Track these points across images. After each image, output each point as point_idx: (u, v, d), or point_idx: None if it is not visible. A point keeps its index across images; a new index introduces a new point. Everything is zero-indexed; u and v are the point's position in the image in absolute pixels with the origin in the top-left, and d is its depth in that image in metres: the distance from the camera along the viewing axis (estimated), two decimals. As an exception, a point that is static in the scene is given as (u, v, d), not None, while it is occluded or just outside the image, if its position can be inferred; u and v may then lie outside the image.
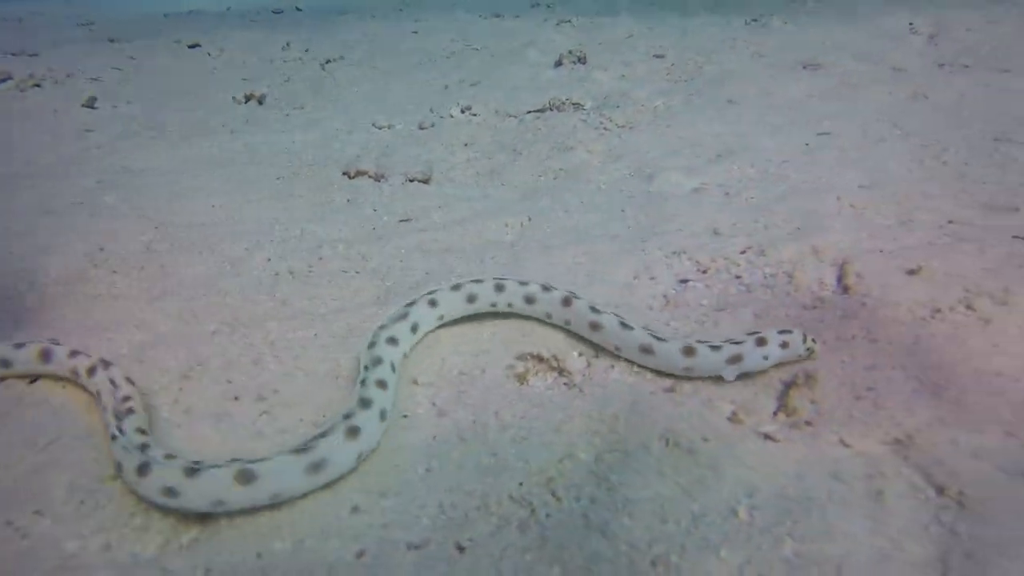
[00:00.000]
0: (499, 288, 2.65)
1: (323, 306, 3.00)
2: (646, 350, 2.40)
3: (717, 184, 4.22)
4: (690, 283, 3.08)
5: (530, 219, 3.82)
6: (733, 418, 2.29)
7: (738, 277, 3.11)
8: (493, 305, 2.68)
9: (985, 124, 5.17)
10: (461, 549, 1.80)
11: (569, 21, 11.12)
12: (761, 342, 2.39)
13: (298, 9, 14.18)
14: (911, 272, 3.07)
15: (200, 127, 5.65)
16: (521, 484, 2.01)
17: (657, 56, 8.12)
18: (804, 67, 7.20)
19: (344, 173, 4.53)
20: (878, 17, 10.36)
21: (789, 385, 2.40)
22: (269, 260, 3.32)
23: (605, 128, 5.25)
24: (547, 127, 5.38)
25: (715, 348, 2.36)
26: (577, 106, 5.83)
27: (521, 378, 2.53)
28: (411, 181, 4.38)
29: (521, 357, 2.59)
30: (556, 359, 2.57)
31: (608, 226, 3.69)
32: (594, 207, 3.97)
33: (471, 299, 2.64)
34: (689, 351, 2.35)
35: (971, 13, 10.42)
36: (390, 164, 4.56)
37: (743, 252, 3.34)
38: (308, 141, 5.19)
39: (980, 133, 5.01)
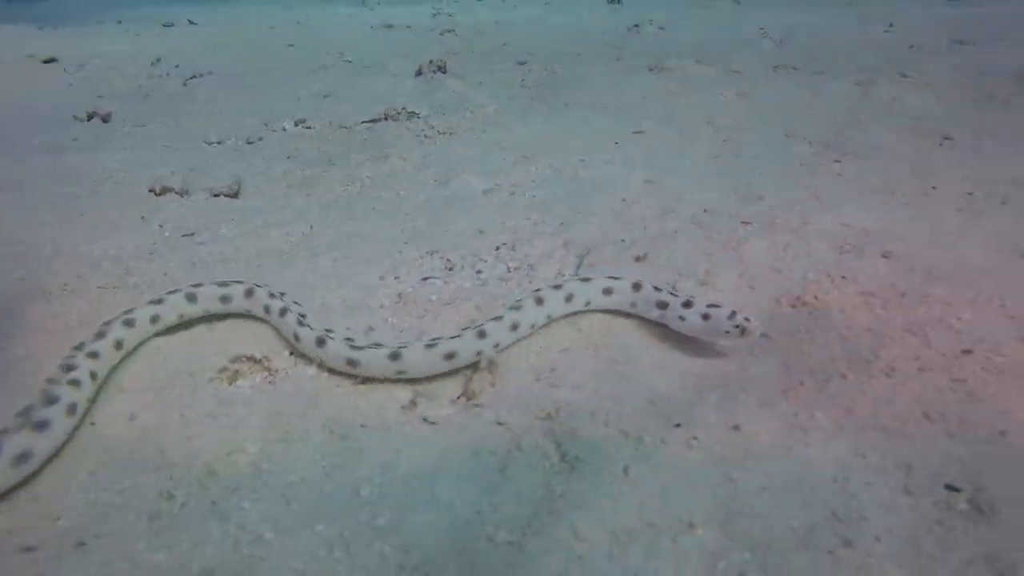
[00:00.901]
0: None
1: (63, 324, 3.05)
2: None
3: (510, 185, 4.44)
4: (430, 280, 3.26)
5: (312, 228, 3.95)
6: (408, 406, 2.45)
7: (479, 272, 3.31)
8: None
9: (784, 122, 5.57)
10: (82, 544, 1.91)
11: (453, 31, 11.37)
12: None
13: (191, 22, 14.02)
14: (638, 259, 3.34)
15: (21, 146, 5.60)
16: (171, 478, 2.13)
17: (520, 63, 8.40)
18: (650, 70, 7.58)
19: (151, 190, 4.57)
20: (739, 24, 10.97)
21: (474, 371, 2.59)
22: (22, 280, 3.36)
23: (426, 136, 5.44)
24: (373, 137, 5.54)
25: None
26: (412, 115, 6.01)
27: (231, 379, 2.65)
28: (216, 196, 4.46)
29: (236, 359, 2.71)
30: (267, 359, 2.70)
31: (384, 231, 3.85)
32: (382, 213, 4.13)
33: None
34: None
35: (819, 19, 11.13)
36: (199, 180, 4.63)
37: (497, 248, 3.55)
38: (128, 159, 5.20)
39: (778, 130, 5.40)
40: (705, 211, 3.88)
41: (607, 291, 2.80)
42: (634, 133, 5.46)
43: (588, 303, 2.82)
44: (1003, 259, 3.11)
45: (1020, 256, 3.17)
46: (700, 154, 4.98)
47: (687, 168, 4.69)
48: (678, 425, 2.27)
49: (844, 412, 2.28)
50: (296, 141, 5.54)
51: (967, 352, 2.50)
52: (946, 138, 4.89)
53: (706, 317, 2.58)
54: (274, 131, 5.79)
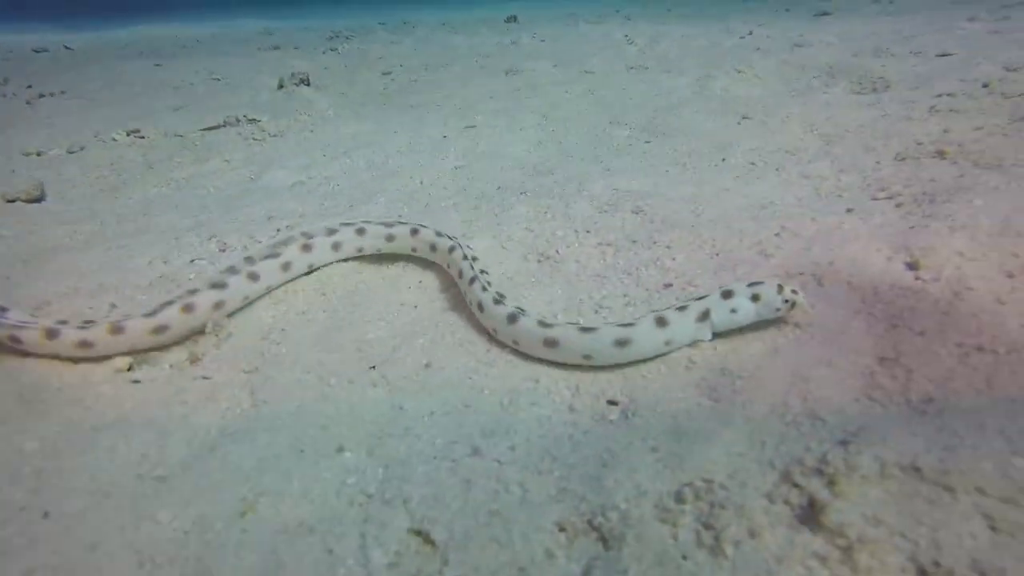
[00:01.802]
0: None
1: None
2: None
3: (321, 177, 4.53)
4: (195, 262, 3.28)
5: (102, 224, 3.92)
6: (122, 369, 2.46)
7: (246, 249, 3.35)
8: None
9: (614, 112, 5.87)
10: None
11: (336, 50, 11.50)
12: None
13: (67, 48, 13.71)
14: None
15: None
16: None
17: (385, 73, 8.57)
18: (506, 73, 7.86)
19: (-56, 198, 4.45)
20: (613, 33, 11.50)
21: (200, 335, 2.62)
22: None
23: (255, 138, 5.49)
24: (205, 143, 5.55)
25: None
26: (253, 121, 6.04)
27: None
28: (11, 201, 4.37)
29: None
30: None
31: (174, 223, 3.86)
32: (180, 208, 4.14)
33: None
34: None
35: (691, 30, 11.78)
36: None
37: (278, 230, 3.60)
38: (-66, 173, 5.05)
39: (605, 118, 5.69)
40: (498, 188, 4.05)
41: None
42: (466, 127, 5.64)
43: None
44: (740, 213, 3.36)
45: (758, 208, 3.43)
46: (522, 142, 5.19)
47: (503, 154, 4.88)
48: (373, 367, 2.35)
49: (537, 345, 2.41)
50: (123, 150, 5.49)
51: (667, 286, 2.69)
52: (744, 117, 5.25)
53: (755, 298, 2.30)
54: (103, 141, 5.72)
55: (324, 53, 11.29)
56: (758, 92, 6.56)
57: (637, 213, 3.36)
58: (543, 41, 11.50)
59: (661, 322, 2.22)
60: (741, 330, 2.35)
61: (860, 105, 5.36)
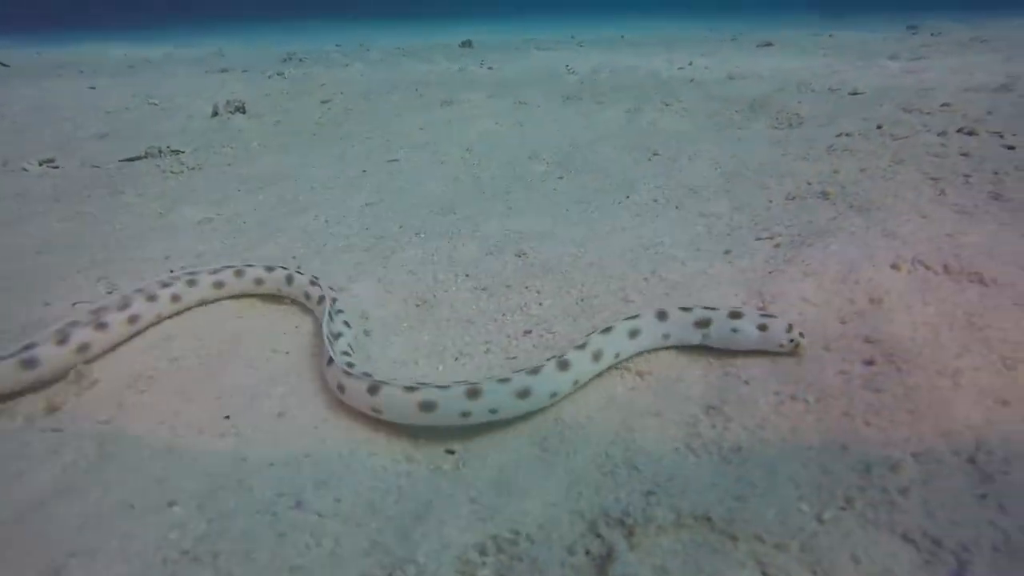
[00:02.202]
0: None
1: None
2: None
3: (230, 214, 4.57)
4: (78, 304, 3.29)
5: (-8, 260, 3.91)
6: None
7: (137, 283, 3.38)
8: None
9: (537, 145, 6.03)
10: None
11: (283, 74, 11.55)
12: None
13: (4, 65, 13.52)
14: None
15: None
16: None
17: (324, 102, 8.66)
18: (442, 104, 8.01)
19: None
20: (557, 64, 11.77)
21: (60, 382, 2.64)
22: None
23: (173, 172, 5.51)
24: (121, 175, 5.55)
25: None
26: (175, 152, 6.05)
27: None
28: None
29: None
30: None
31: (63, 264, 3.86)
32: (74, 247, 4.12)
33: None
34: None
35: (631, 59, 12.11)
36: None
37: (171, 271, 3.63)
38: None
39: (526, 152, 5.84)
40: (400, 227, 4.15)
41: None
42: (388, 161, 5.75)
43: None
44: (621, 256, 3.50)
45: (643, 250, 3.58)
46: (439, 178, 5.31)
47: (417, 191, 4.98)
48: (227, 417, 2.41)
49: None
50: (31, 181, 5.45)
51: (527, 332, 2.80)
52: (655, 154, 5.45)
53: (762, 328, 2.48)
54: (12, 171, 5.68)
55: (270, 77, 11.34)
56: (684, 126, 6.82)
57: (520, 256, 3.48)
58: (490, 68, 11.73)
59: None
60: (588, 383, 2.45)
61: (768, 142, 5.61)
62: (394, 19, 33.94)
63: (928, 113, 6.10)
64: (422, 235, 3.88)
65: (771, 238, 3.74)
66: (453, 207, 4.39)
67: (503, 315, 2.93)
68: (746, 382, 2.36)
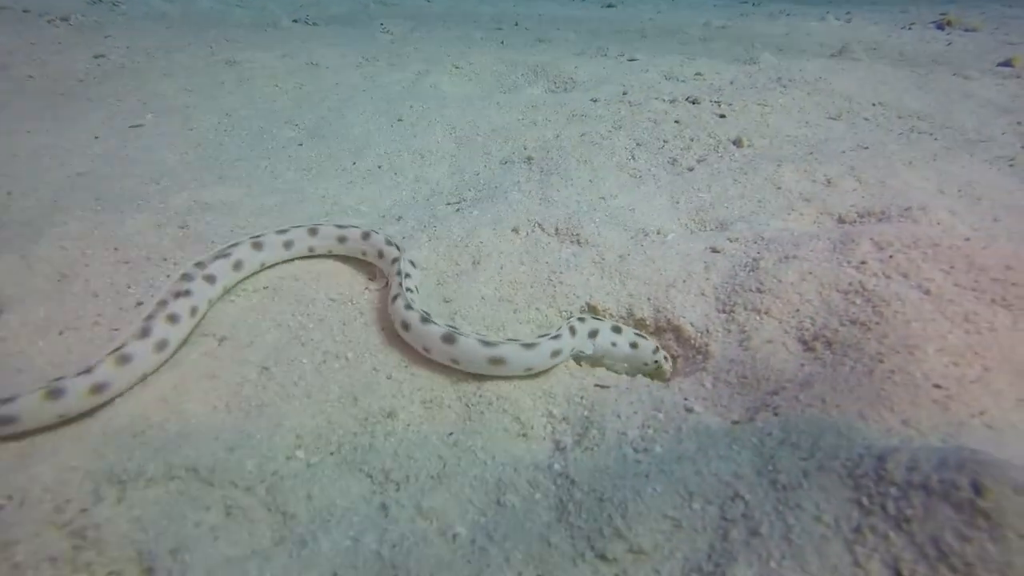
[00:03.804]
0: None
1: None
2: None
3: None
4: None
5: None
6: None
7: None
8: None
9: (296, 111, 6.02)
10: None
11: (67, 19, 10.69)
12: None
13: None
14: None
15: None
16: None
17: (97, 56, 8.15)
18: (227, 64, 7.77)
19: None
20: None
21: None
22: None
23: None
24: None
25: None
26: None
27: None
28: None
29: None
30: None
31: None
32: None
33: None
34: None
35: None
36: None
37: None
38: None
39: (282, 119, 5.81)
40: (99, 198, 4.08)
41: None
42: (130, 127, 5.56)
43: None
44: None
45: (323, 215, 3.74)
46: (182, 141, 5.21)
47: (150, 154, 4.88)
48: None
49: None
50: None
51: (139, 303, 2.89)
52: (398, 120, 5.62)
53: (633, 346, 2.62)
54: None
55: (50, 22, 10.45)
56: (467, 89, 7.01)
57: (183, 228, 3.54)
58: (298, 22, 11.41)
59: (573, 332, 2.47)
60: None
61: (514, 107, 5.90)
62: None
63: (682, 81, 6.64)
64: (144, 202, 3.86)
65: (458, 203, 4.02)
66: (160, 176, 4.36)
67: (123, 288, 3.00)
68: (303, 344, 2.57)
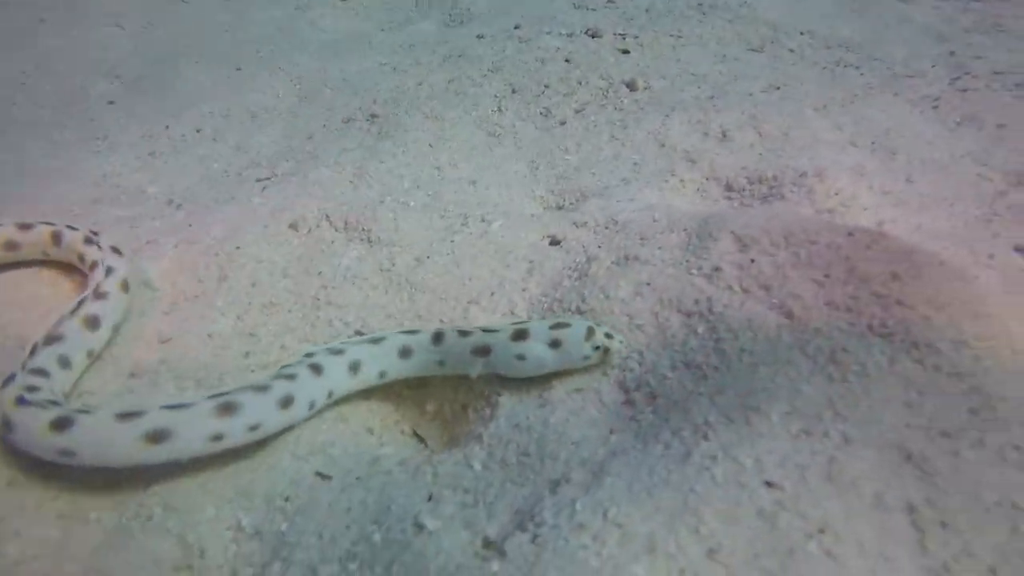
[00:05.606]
0: None
1: None
2: None
3: None
4: None
5: None
6: None
7: None
8: None
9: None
10: None
11: None
12: None
13: None
14: None
15: None
16: None
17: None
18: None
19: None
20: None
21: None
22: None
23: None
24: None
25: None
26: None
27: None
28: None
29: None
30: None
31: None
32: None
33: None
34: None
35: None
36: None
37: None
38: None
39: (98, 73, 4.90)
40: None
41: None
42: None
43: None
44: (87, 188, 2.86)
45: (93, 186, 2.95)
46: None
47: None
48: None
49: None
50: None
51: None
52: (237, 69, 4.72)
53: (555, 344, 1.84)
54: None
55: None
56: (351, 26, 6.07)
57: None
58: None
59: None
60: None
61: (384, 48, 5.02)
62: None
63: (592, 9, 5.74)
64: None
65: (268, 179, 3.24)
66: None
67: None
68: None
